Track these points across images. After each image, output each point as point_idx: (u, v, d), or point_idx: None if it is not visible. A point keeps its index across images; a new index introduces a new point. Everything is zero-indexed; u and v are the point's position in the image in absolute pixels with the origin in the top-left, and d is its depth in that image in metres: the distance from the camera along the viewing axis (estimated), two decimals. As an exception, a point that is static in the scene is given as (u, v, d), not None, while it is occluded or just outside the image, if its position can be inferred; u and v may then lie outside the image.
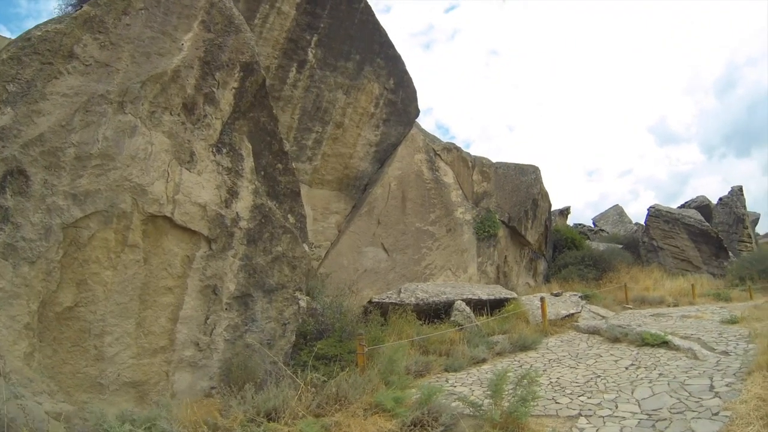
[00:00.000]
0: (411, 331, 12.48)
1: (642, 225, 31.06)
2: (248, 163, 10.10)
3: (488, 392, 8.07)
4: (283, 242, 10.34)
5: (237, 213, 9.78)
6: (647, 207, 27.92)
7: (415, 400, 8.25)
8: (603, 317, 16.41)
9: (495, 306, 15.40)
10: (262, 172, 10.41)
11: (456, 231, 20.65)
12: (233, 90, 9.93)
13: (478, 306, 14.98)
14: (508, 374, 8.00)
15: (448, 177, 20.86)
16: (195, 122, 9.52)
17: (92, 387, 8.13)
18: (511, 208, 22.16)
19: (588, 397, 8.84)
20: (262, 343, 9.84)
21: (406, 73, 19.40)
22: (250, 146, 10.19)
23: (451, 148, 21.16)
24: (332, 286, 17.75)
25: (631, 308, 19.06)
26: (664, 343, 11.90)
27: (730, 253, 26.15)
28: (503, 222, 21.99)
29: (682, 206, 29.85)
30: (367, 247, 18.47)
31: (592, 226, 36.00)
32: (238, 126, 10.13)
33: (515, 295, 16.13)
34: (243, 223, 9.85)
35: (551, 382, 9.88)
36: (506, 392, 7.91)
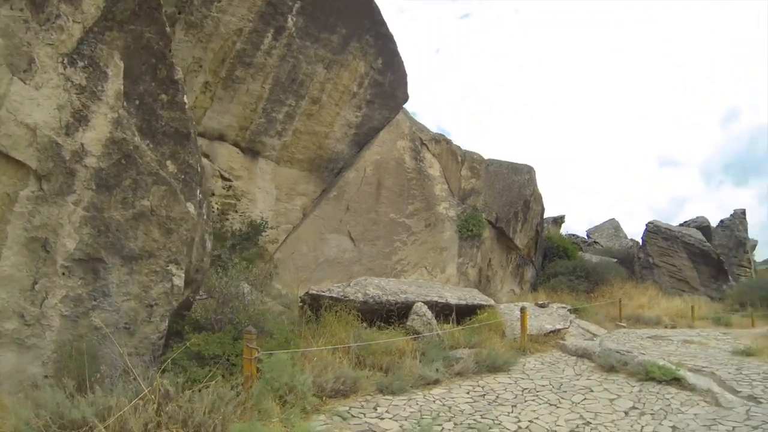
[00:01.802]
0: (346, 335, 8.71)
1: (638, 241, 27.16)
2: (113, 85, 6.56)
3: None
4: (154, 195, 6.80)
5: (82, 144, 6.25)
6: (645, 223, 24.13)
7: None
8: (594, 335, 12.52)
9: (467, 313, 11.58)
10: (137, 101, 6.88)
11: (436, 227, 16.86)
12: (104, -10, 6.43)
13: (446, 312, 11.15)
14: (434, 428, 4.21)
15: (434, 169, 17.10)
16: (43, 22, 6.18)
17: None
18: (500, 208, 18.30)
19: (571, 464, 5.04)
20: (118, 327, 6.46)
21: (396, 54, 15.76)
22: (122, 65, 6.68)
23: (440, 140, 17.42)
24: (285, 273, 14.12)
25: (624, 326, 15.15)
26: (675, 380, 8.07)
27: (730, 277, 22.12)
28: (490, 222, 18.14)
29: (682, 225, 25.91)
30: (331, 234, 14.79)
31: (586, 237, 31.76)
32: (110, 38, 6.59)
33: (492, 302, 12.28)
34: (91, 160, 6.33)
35: (520, 428, 6.07)
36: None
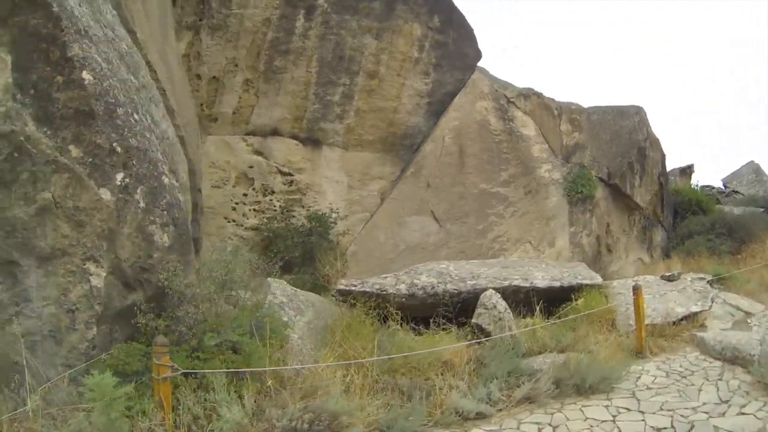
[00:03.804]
0: (366, 342, 5.65)
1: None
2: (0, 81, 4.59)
3: None
4: (55, 185, 4.83)
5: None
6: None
7: None
8: (748, 314, 7.79)
9: (565, 298, 7.82)
10: (32, 90, 4.87)
11: (539, 193, 12.94)
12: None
13: (531, 298, 7.52)
14: None
15: (528, 128, 13.16)
16: None
17: None
18: (611, 160, 13.69)
19: None
20: (43, 334, 4.77)
21: (454, 8, 12.16)
22: (10, 59, 4.79)
23: (530, 94, 13.39)
24: (362, 267, 11.30)
25: (790, 297, 9.98)
26: None
27: None
28: (601, 179, 13.62)
29: None
30: (411, 216, 11.67)
31: (723, 187, 24.21)
32: (-6, 38, 4.46)
33: (598, 279, 8.23)
34: (-21, 161, 4.25)
35: None
36: None
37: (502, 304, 6.77)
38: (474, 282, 7.29)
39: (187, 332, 5.04)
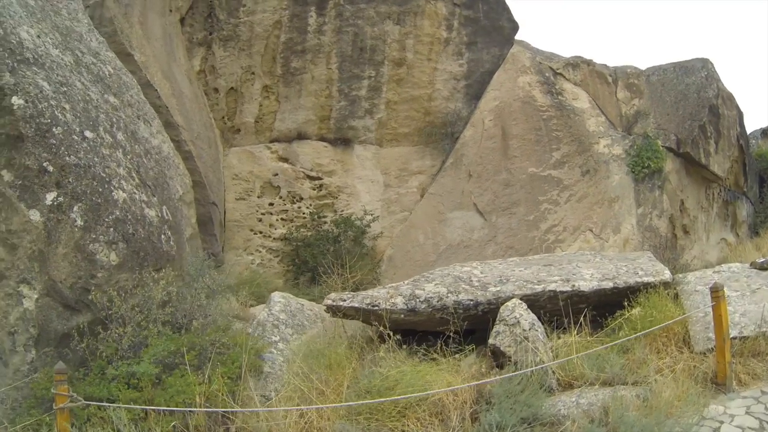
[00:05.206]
0: (337, 373, 4.21)
1: None
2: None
3: None
4: None
5: None
6: None
7: None
8: None
9: (620, 302, 5.74)
10: None
11: (598, 172, 10.63)
12: None
13: (581, 306, 5.56)
14: None
15: (580, 101, 10.88)
16: None
17: None
18: (679, 126, 10.88)
19: None
20: None
21: (480, -21, 10.33)
22: None
23: (579, 63, 11.06)
24: (399, 273, 9.71)
25: None
26: None
27: None
28: (670, 149, 10.89)
29: None
30: (452, 212, 9.98)
31: None
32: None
33: (666, 275, 5.86)
34: None
35: None
36: None
37: (527, 319, 4.96)
38: (497, 289, 5.50)
39: (113, 357, 4.37)
